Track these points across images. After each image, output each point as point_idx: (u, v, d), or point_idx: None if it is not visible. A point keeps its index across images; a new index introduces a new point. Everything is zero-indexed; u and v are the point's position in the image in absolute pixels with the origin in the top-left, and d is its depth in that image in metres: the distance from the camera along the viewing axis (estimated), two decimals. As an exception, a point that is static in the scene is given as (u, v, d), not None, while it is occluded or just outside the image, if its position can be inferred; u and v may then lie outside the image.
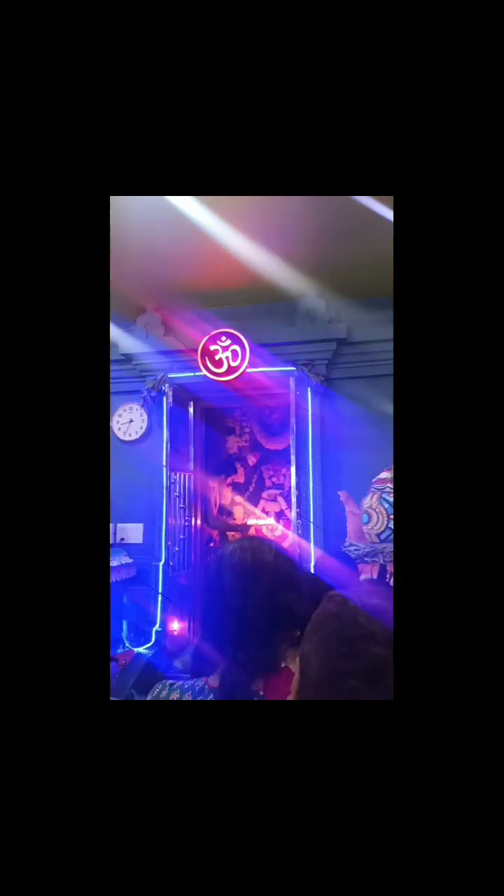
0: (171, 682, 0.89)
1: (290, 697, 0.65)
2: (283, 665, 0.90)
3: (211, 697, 0.84)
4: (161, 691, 0.87)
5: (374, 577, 2.30)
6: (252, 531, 4.53)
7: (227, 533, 4.56)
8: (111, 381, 3.37)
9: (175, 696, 0.86)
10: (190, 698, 0.85)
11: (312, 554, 3.09)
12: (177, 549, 3.50)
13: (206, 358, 3.28)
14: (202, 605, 0.89)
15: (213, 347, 3.27)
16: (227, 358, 3.24)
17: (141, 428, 3.58)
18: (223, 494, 4.76)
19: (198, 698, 0.85)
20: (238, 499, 4.75)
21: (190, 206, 2.34)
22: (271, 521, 4.59)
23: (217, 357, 3.26)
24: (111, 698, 2.57)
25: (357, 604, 0.60)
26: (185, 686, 0.87)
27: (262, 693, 0.84)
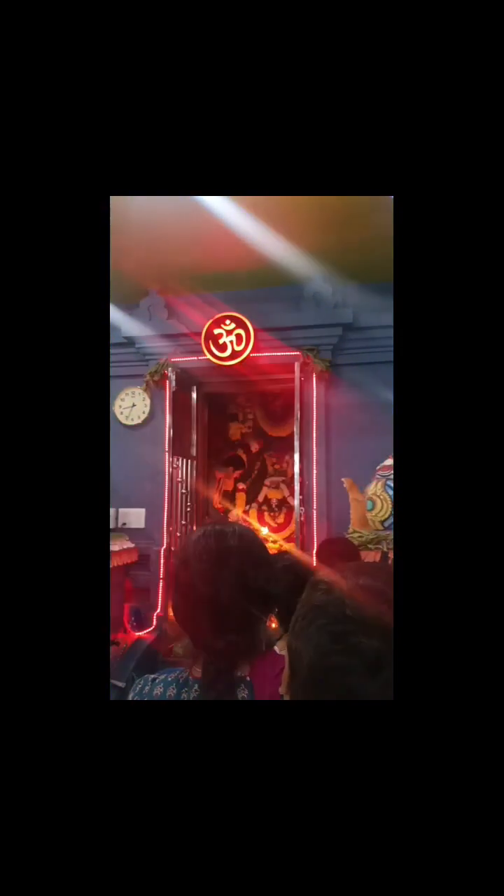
0: (153, 676, 0.88)
1: (280, 690, 0.64)
2: (272, 648, 0.89)
3: (195, 688, 0.83)
4: (144, 687, 0.86)
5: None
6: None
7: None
8: (114, 365, 3.35)
9: (158, 690, 0.85)
10: (174, 691, 0.84)
11: (315, 541, 3.08)
12: (178, 534, 3.50)
13: (210, 342, 3.24)
14: (174, 596, 0.89)
15: (216, 331, 3.23)
16: (231, 342, 3.21)
17: (143, 412, 3.56)
18: (227, 482, 4.76)
19: (182, 690, 0.84)
20: (241, 486, 4.76)
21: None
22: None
23: (221, 341, 3.23)
24: (112, 682, 2.60)
25: (342, 588, 0.57)
26: (169, 679, 0.86)
27: (248, 678, 0.84)
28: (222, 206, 2.43)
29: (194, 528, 3.70)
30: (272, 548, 4.21)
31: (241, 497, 4.75)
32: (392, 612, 0.55)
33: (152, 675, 0.88)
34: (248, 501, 4.74)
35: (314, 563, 1.84)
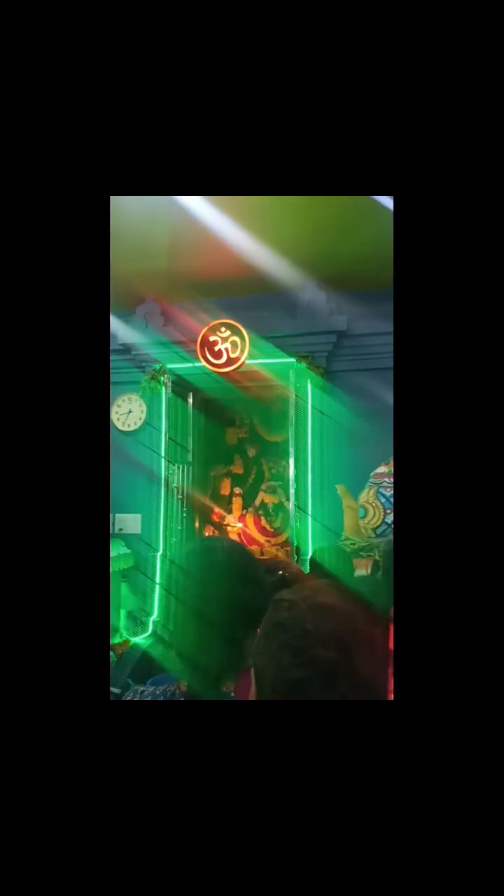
0: (141, 688, 0.88)
1: None
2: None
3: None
4: (132, 698, 0.87)
5: (368, 572, 2.30)
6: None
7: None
8: (110, 371, 3.34)
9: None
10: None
11: (310, 547, 3.09)
12: (174, 539, 3.50)
13: (206, 349, 3.26)
14: (163, 611, 0.89)
15: (212, 338, 3.25)
16: (226, 349, 3.22)
17: (140, 418, 3.57)
18: (222, 486, 4.75)
19: None
20: (237, 490, 4.75)
21: (190, 197, 2.32)
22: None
23: (216, 348, 3.24)
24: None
25: (303, 606, 0.58)
26: (157, 692, 0.86)
27: (232, 695, 0.84)
28: (217, 215, 2.45)
29: (195, 528, 3.70)
30: (268, 552, 4.21)
31: (237, 502, 4.74)
32: (350, 624, 0.56)
33: (141, 688, 0.89)
34: (245, 506, 4.73)
35: (307, 572, 1.84)
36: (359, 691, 0.54)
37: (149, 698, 0.86)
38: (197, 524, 3.93)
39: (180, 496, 3.62)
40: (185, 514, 3.66)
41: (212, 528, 4.39)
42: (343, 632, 0.55)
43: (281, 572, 1.40)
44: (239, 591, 0.83)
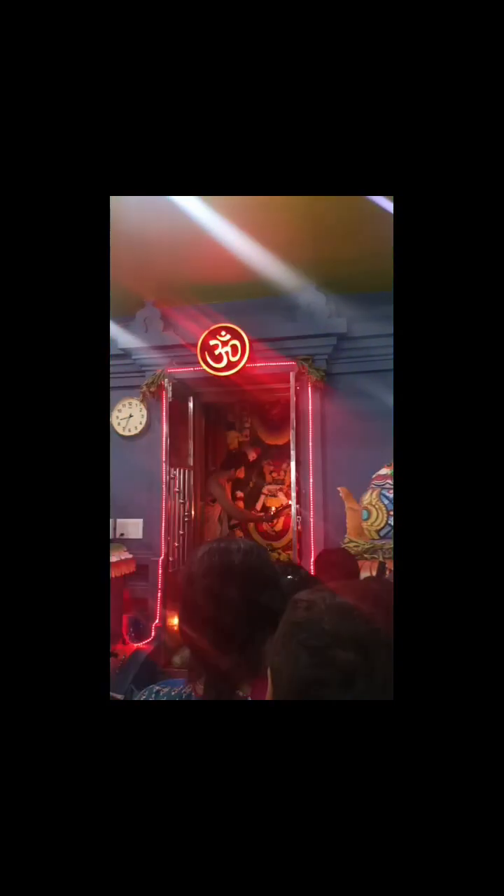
0: (157, 687, 0.87)
1: None
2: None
3: None
4: (148, 698, 0.86)
5: (373, 573, 2.30)
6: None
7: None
8: (111, 376, 3.34)
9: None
10: None
11: (313, 550, 3.08)
12: (176, 544, 3.49)
13: (206, 353, 3.26)
14: (179, 614, 0.87)
15: (212, 342, 3.25)
16: (226, 353, 3.23)
17: (140, 423, 3.57)
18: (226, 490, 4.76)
19: None
20: (239, 493, 4.75)
21: (189, 200, 2.32)
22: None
23: (217, 352, 3.24)
24: (111, 694, 2.58)
25: (322, 606, 0.58)
26: (173, 693, 0.85)
27: (249, 699, 0.82)
28: (217, 220, 2.46)
29: (193, 529, 3.70)
30: (273, 556, 4.21)
31: (239, 505, 4.74)
32: (369, 625, 0.56)
33: (157, 686, 0.87)
34: (247, 509, 4.73)
35: (312, 573, 1.84)
36: (376, 693, 0.53)
37: (164, 698, 0.84)
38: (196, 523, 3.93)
39: (182, 500, 3.62)
40: (186, 519, 3.66)
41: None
42: (362, 633, 0.55)
43: (290, 576, 1.39)
44: (256, 593, 0.80)
